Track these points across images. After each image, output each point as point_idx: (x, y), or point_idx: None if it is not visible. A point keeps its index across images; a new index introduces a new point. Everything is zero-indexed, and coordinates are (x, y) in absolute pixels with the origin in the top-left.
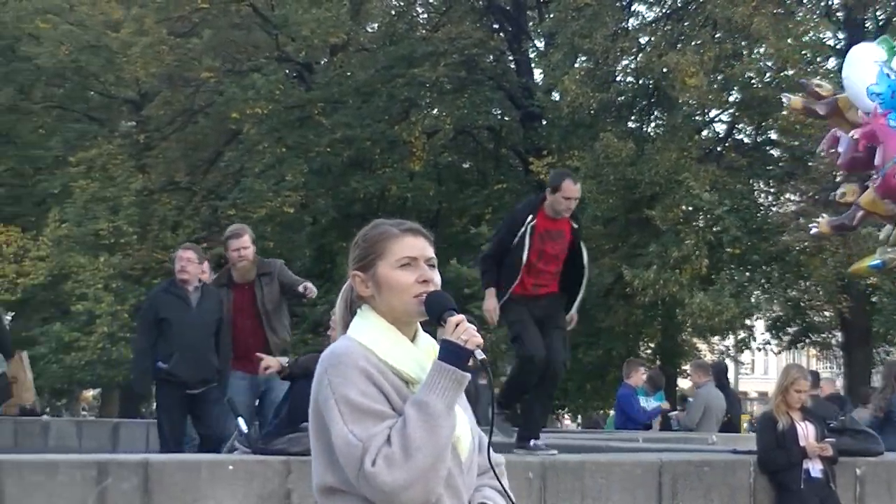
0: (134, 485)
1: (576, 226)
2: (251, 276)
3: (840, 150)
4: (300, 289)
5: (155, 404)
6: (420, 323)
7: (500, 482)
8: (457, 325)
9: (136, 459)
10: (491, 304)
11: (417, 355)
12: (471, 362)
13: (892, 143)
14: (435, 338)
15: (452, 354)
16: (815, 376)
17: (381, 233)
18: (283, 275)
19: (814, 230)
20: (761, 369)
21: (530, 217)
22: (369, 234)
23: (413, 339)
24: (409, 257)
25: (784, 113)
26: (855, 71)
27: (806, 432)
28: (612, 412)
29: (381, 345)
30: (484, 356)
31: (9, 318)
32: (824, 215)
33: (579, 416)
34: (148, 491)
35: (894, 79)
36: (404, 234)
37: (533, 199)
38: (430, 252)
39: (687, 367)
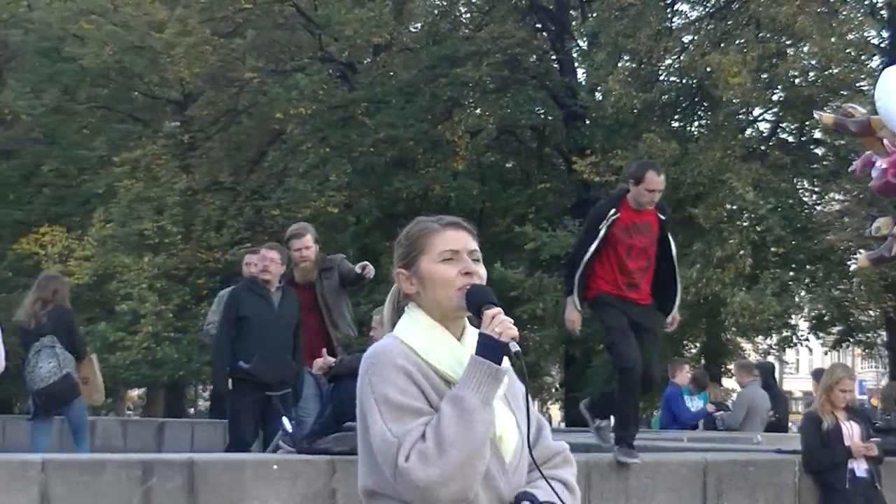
0: (179, 484)
1: (663, 217)
2: (313, 277)
3: (873, 174)
4: (357, 269)
5: (229, 402)
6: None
7: (544, 478)
8: (492, 318)
9: (181, 459)
10: (573, 315)
11: (461, 353)
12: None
13: None
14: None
15: (487, 348)
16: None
17: (423, 228)
18: (343, 266)
19: (853, 267)
20: (806, 369)
21: (612, 211)
22: (411, 230)
23: (461, 336)
24: (451, 251)
25: (828, 111)
26: (887, 94)
27: (851, 432)
28: (656, 412)
29: (424, 343)
30: (518, 348)
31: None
32: (862, 251)
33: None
34: (193, 490)
35: None
36: (445, 228)
37: (616, 192)
38: (473, 245)
39: (731, 366)
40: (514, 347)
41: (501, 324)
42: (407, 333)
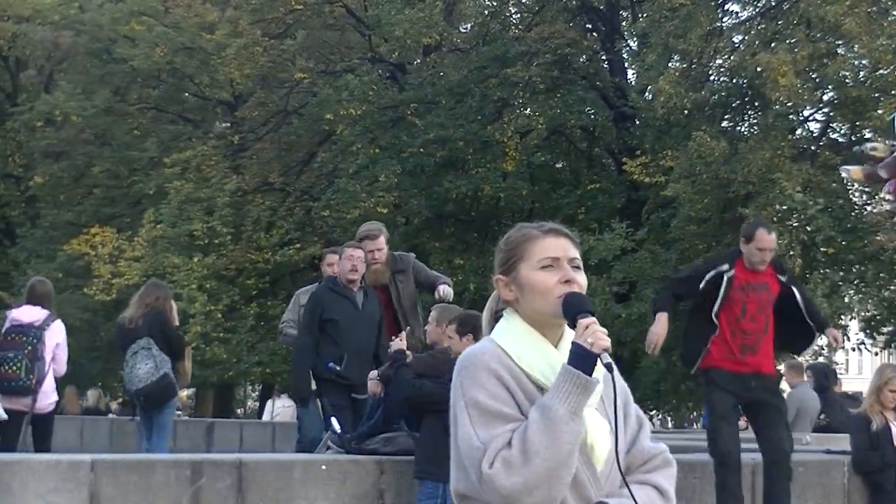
0: (228, 484)
1: (783, 277)
2: (384, 279)
3: None
4: (436, 294)
5: (322, 404)
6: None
7: (627, 487)
8: (586, 328)
9: (230, 459)
10: (659, 329)
11: (556, 360)
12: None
13: None
14: None
15: (579, 358)
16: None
17: (523, 235)
18: (418, 270)
19: (843, 174)
20: (855, 369)
21: (727, 266)
22: (512, 236)
23: (558, 343)
24: (551, 258)
25: (880, 112)
26: None
27: None
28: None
29: (518, 348)
30: (610, 360)
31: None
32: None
33: (669, 417)
34: (242, 490)
35: None
36: (546, 235)
37: (731, 250)
38: (574, 252)
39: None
40: (606, 359)
41: (594, 334)
42: (502, 338)
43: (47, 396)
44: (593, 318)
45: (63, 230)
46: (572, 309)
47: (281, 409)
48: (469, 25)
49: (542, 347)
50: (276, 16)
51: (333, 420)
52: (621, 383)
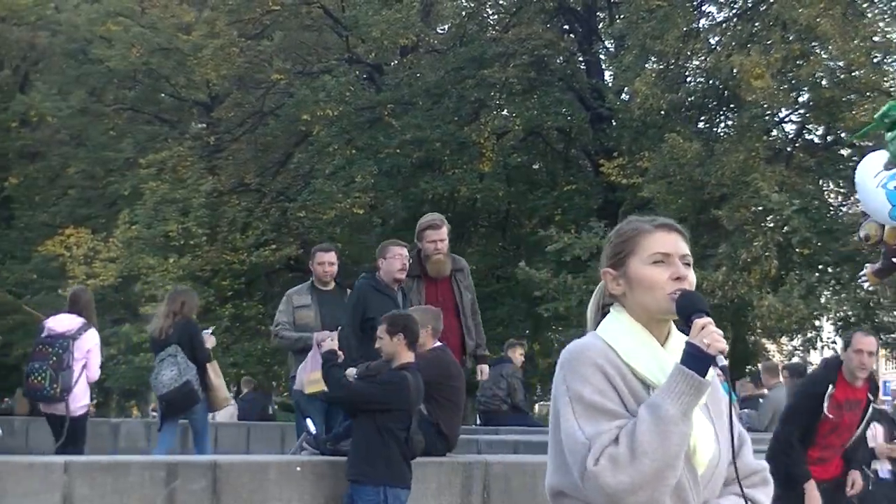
0: (203, 486)
1: (872, 398)
2: (447, 271)
3: None
4: (477, 371)
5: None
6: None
7: (742, 492)
8: (702, 328)
9: (204, 460)
10: (817, 500)
11: (664, 358)
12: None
13: None
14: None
15: (693, 358)
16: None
17: (634, 229)
18: (469, 278)
19: (866, 285)
20: None
21: (830, 387)
22: (622, 229)
23: (665, 341)
24: (662, 253)
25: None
26: (871, 206)
27: (875, 433)
28: None
29: (625, 344)
30: (725, 362)
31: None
32: (868, 265)
33: None
34: (216, 492)
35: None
36: (657, 230)
37: (828, 361)
38: (685, 248)
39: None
40: (722, 361)
41: (710, 335)
42: (609, 334)
43: (77, 400)
44: (709, 319)
45: (38, 231)
46: (687, 308)
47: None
48: (446, 26)
49: (649, 344)
50: (253, 16)
51: (308, 421)
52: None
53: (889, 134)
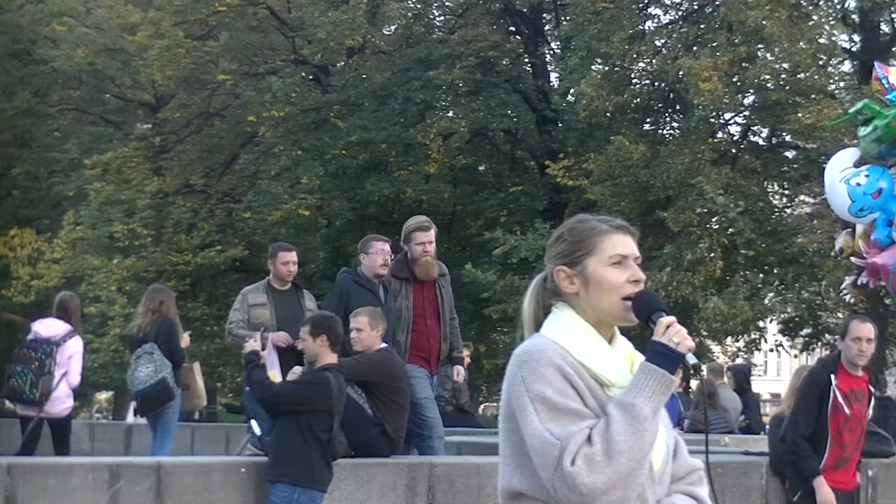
0: (146, 487)
1: (872, 389)
2: (434, 274)
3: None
4: (453, 373)
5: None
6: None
7: (712, 489)
8: (668, 327)
9: (148, 462)
10: (828, 496)
11: (615, 357)
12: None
13: (884, 260)
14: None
15: (663, 357)
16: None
17: (592, 228)
18: (449, 284)
19: (849, 297)
20: (774, 371)
21: (832, 378)
22: (577, 228)
23: (611, 341)
24: (621, 255)
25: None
26: (834, 201)
27: None
28: None
29: (578, 344)
30: (696, 361)
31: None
32: (847, 277)
33: None
34: (160, 494)
35: (858, 186)
36: (616, 231)
37: (829, 356)
38: (637, 250)
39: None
40: (692, 360)
41: (678, 333)
42: (559, 334)
43: (61, 402)
44: (673, 318)
45: None
46: (647, 308)
47: None
48: (393, 28)
49: (599, 344)
50: (199, 17)
51: (253, 422)
52: None
53: (862, 129)
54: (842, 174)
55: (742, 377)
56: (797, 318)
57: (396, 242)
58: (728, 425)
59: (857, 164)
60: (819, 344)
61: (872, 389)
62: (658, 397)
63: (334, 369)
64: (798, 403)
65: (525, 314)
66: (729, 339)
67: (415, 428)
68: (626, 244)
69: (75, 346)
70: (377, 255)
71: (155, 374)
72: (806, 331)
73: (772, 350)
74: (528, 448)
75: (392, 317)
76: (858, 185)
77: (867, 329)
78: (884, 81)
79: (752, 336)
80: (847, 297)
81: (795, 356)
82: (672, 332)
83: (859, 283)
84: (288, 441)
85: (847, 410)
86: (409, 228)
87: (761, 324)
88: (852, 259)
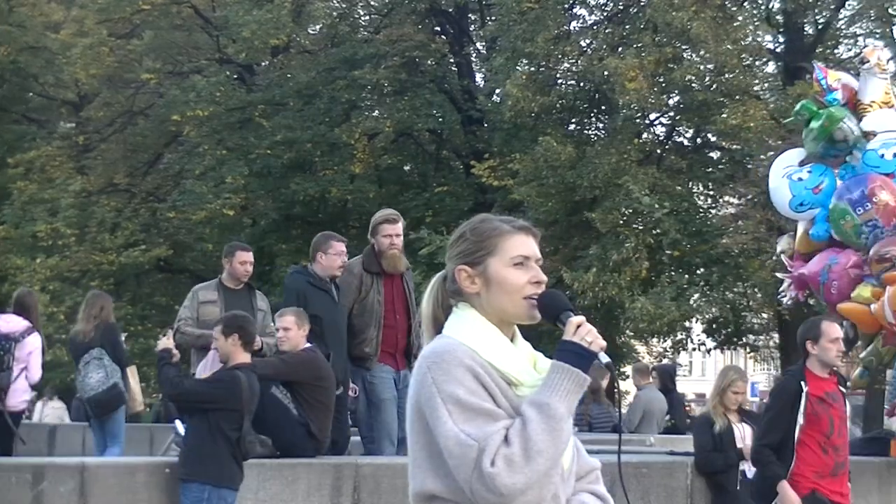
0: (70, 488)
1: (843, 389)
2: (402, 267)
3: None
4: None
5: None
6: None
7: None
8: (578, 326)
9: (72, 463)
10: (793, 499)
11: (520, 357)
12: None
13: (812, 268)
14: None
15: (574, 356)
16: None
17: (494, 228)
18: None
19: (786, 300)
20: (699, 371)
21: (801, 384)
22: (479, 228)
23: (512, 340)
24: (523, 256)
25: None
26: (776, 198)
27: (743, 434)
28: None
29: (485, 344)
30: (609, 359)
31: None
32: (781, 263)
33: None
34: (84, 494)
35: (800, 181)
36: (518, 232)
37: (795, 367)
38: (538, 252)
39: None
40: (605, 358)
41: (590, 332)
42: (464, 334)
43: (16, 397)
44: (583, 317)
45: None
46: (554, 307)
47: (51, 410)
48: (318, 27)
49: (504, 344)
50: (123, 15)
51: (178, 423)
52: None
53: (804, 130)
54: (785, 170)
55: (667, 377)
56: (721, 319)
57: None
58: (611, 420)
59: (802, 163)
60: (738, 343)
61: (843, 389)
62: (572, 396)
63: (246, 368)
64: (766, 412)
65: (424, 314)
66: (655, 339)
67: (367, 430)
68: (528, 245)
69: (34, 342)
70: (337, 257)
71: (106, 379)
72: (727, 330)
73: (695, 349)
74: (443, 450)
75: (343, 317)
76: (800, 179)
77: (838, 329)
78: (822, 82)
79: (679, 336)
80: (785, 300)
81: (708, 350)
82: (583, 332)
83: (788, 299)
84: (198, 440)
85: (830, 412)
86: (376, 220)
87: (687, 324)
88: (778, 275)
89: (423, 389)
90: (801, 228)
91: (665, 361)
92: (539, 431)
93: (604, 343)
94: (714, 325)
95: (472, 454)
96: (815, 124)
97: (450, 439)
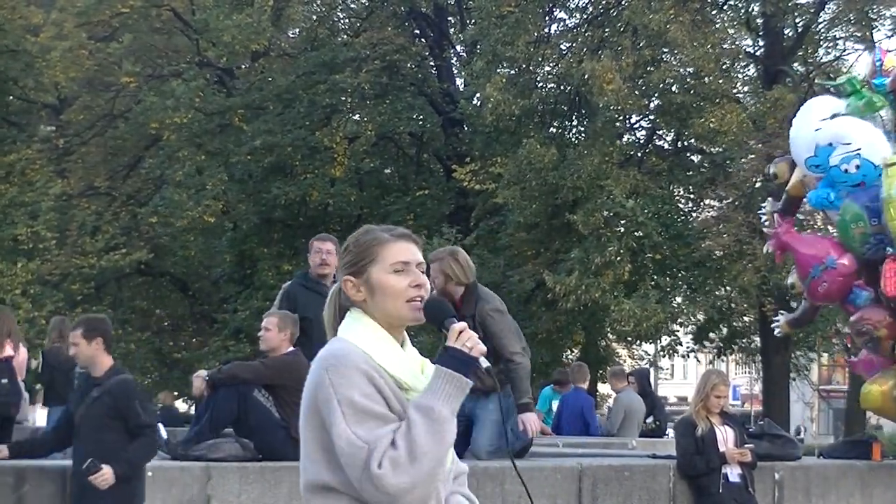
0: (52, 491)
1: None
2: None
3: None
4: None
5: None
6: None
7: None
8: (460, 333)
9: (55, 466)
10: None
11: (410, 362)
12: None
13: (803, 250)
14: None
15: (456, 361)
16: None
17: (374, 238)
18: None
19: (777, 332)
20: (681, 374)
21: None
22: (361, 239)
23: (402, 345)
24: (402, 262)
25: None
26: (797, 143)
27: (725, 437)
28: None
29: (377, 349)
30: (489, 364)
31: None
32: (782, 312)
33: None
34: (66, 498)
35: (832, 147)
36: (397, 240)
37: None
38: (420, 257)
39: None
40: (485, 363)
41: (471, 339)
42: (357, 337)
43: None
44: (464, 324)
45: None
46: (438, 314)
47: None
48: (297, 31)
49: (395, 348)
50: (103, 18)
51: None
52: None
53: (845, 98)
54: (818, 122)
55: (645, 380)
56: (709, 322)
57: (304, 245)
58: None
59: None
60: (734, 348)
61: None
62: (455, 400)
63: (114, 370)
64: None
65: (326, 319)
66: (640, 342)
67: None
68: (407, 251)
69: (21, 358)
70: (315, 255)
71: None
72: (719, 334)
73: (685, 357)
74: (336, 449)
75: None
76: (831, 146)
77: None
78: (878, 64)
79: (667, 340)
80: (777, 332)
81: (710, 362)
82: (465, 338)
83: (766, 250)
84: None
85: None
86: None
87: (675, 327)
88: (764, 230)
89: (321, 390)
90: (798, 173)
91: (643, 365)
92: (423, 434)
93: (484, 348)
94: (703, 331)
95: (361, 455)
96: (853, 102)
97: (342, 440)
